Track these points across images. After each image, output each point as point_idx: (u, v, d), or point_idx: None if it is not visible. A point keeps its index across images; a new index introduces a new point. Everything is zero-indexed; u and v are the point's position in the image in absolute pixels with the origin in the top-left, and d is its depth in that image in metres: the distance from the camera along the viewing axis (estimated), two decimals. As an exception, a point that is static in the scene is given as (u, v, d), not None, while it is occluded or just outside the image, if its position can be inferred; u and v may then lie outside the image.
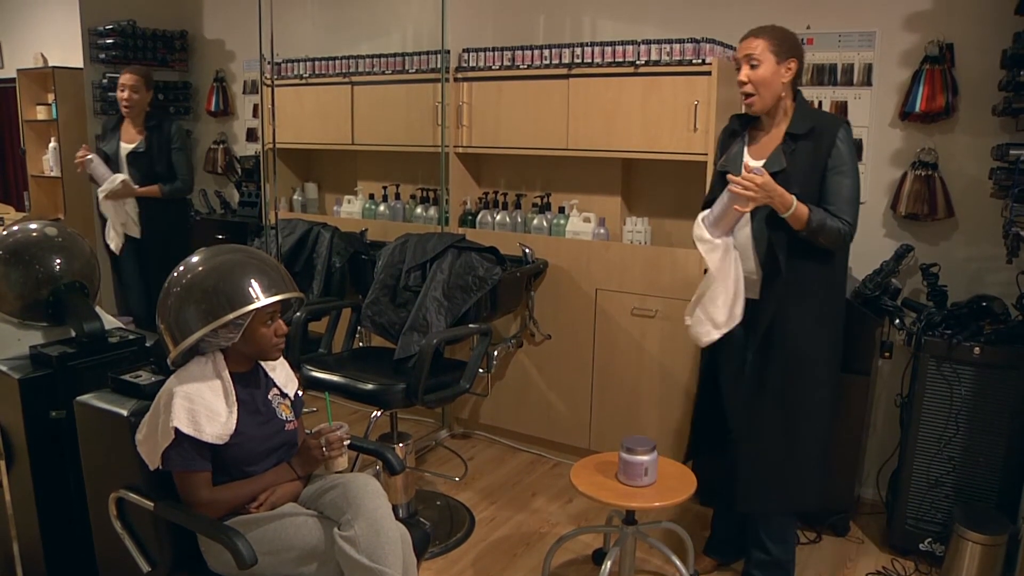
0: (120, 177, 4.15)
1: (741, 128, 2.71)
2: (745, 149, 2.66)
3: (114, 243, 4.28)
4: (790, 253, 2.52)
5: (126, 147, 4.24)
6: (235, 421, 2.02)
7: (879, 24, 3.33)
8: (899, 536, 3.09)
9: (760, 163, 2.51)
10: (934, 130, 3.28)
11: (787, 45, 2.53)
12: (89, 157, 4.14)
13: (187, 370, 2.04)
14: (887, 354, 3.19)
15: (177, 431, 1.93)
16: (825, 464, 2.72)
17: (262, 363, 2.18)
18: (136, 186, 4.18)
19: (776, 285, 2.54)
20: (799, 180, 2.48)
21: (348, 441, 2.17)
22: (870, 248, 3.36)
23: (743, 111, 2.65)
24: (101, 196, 4.19)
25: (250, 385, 2.13)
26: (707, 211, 2.59)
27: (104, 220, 4.36)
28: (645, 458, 2.59)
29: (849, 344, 3.06)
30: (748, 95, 2.56)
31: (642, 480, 2.60)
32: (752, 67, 2.53)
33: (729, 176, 2.46)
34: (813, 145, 2.50)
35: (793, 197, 2.43)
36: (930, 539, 2.99)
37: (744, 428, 2.69)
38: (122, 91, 4.17)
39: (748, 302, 2.60)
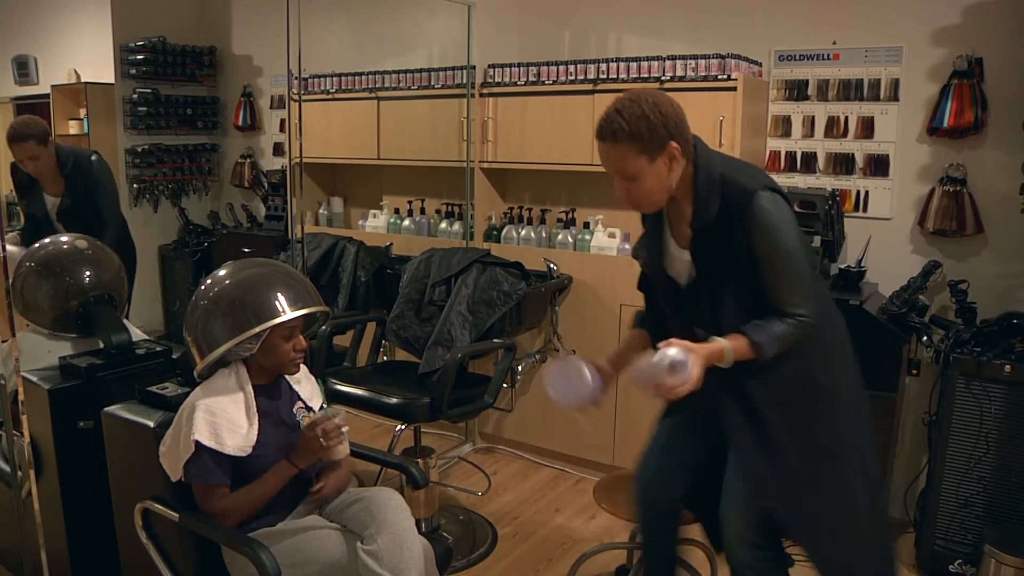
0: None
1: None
2: (670, 240, 2.12)
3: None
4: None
5: (52, 201, 3.69)
6: (256, 433, 2.04)
7: (906, 39, 3.31)
8: (928, 557, 3.04)
9: (678, 352, 1.86)
10: (962, 145, 3.24)
11: (656, 135, 1.88)
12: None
13: (211, 382, 2.05)
14: (915, 372, 3.15)
15: (198, 444, 1.94)
16: None
17: (286, 376, 2.20)
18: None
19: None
20: (730, 274, 1.99)
21: (346, 428, 2.09)
22: (897, 265, 3.33)
23: None
24: None
25: (274, 397, 2.14)
26: None
27: None
28: (669, 475, 2.55)
29: (876, 361, 3.03)
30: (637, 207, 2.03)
31: (666, 497, 2.57)
32: (629, 180, 1.94)
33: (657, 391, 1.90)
34: (726, 233, 1.95)
35: (721, 344, 1.94)
36: (960, 560, 2.94)
37: None
38: (24, 165, 3.53)
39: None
